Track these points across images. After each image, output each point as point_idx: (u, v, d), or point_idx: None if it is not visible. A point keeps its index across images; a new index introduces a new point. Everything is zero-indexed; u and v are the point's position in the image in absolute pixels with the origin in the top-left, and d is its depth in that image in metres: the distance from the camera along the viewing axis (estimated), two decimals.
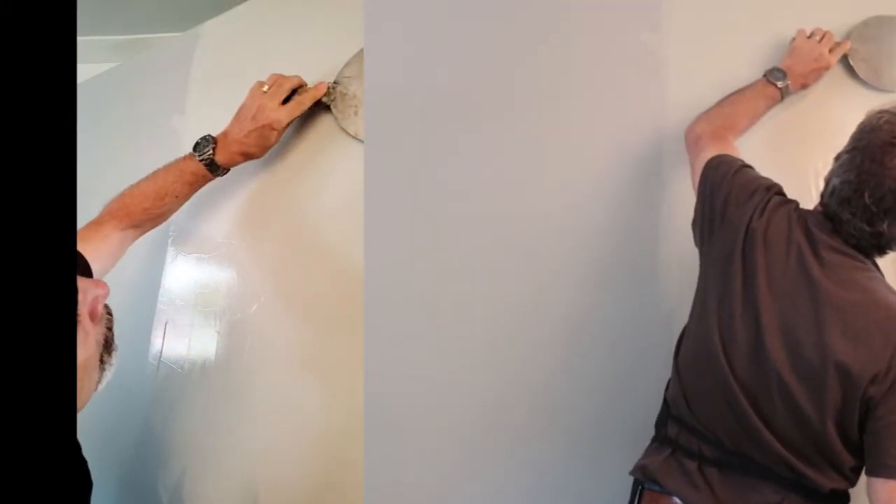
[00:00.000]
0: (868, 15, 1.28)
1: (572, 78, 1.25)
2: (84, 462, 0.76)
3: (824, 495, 0.91)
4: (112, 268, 1.14)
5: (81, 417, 0.62)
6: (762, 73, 1.21)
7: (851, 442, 0.88)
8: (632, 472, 1.05)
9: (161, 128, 1.43)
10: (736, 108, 1.16)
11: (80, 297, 0.66)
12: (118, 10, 2.13)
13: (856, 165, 0.90)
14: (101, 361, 0.70)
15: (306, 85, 1.15)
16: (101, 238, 1.10)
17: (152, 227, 1.18)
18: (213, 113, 1.35)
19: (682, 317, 1.07)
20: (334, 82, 1.14)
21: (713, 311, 0.97)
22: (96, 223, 1.12)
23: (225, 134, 1.13)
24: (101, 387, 0.72)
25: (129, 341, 1.45)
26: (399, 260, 1.17)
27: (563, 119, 1.24)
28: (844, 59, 1.26)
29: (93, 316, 0.67)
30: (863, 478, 0.91)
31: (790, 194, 1.03)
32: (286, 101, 1.12)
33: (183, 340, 1.34)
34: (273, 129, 1.10)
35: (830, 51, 1.21)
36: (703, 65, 1.26)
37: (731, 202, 1.00)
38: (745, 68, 1.25)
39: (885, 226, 0.89)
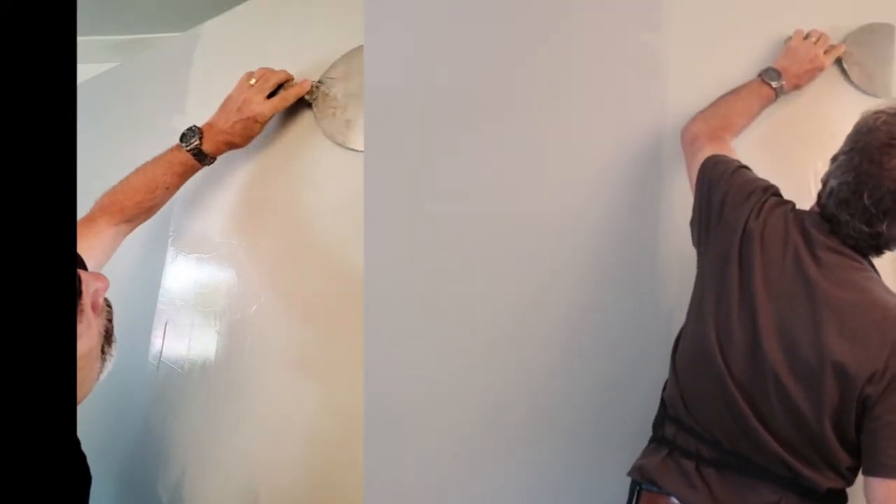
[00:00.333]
0: (865, 19, 1.29)
1: (572, 78, 1.25)
2: (83, 456, 0.77)
3: (822, 495, 0.91)
4: (106, 262, 1.15)
5: (81, 417, 0.62)
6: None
7: (848, 441, 0.88)
8: (629, 473, 1.05)
9: (161, 128, 1.43)
10: (732, 107, 1.16)
11: (83, 289, 0.69)
12: (118, 10, 2.13)
13: (854, 167, 0.90)
14: (103, 352, 0.74)
15: (293, 80, 1.17)
16: (95, 234, 1.10)
17: (144, 221, 1.20)
18: (212, 113, 1.35)
19: (681, 317, 1.07)
20: (319, 81, 1.16)
21: (710, 311, 0.97)
22: (89, 220, 1.12)
23: (210, 124, 1.16)
24: (102, 376, 0.75)
25: (129, 341, 1.45)
26: (399, 260, 1.17)
27: (562, 119, 1.24)
28: (838, 62, 1.27)
29: (94, 308, 0.71)
30: (860, 477, 0.91)
31: (789, 194, 1.03)
32: (272, 94, 1.15)
33: (183, 340, 1.34)
34: (257, 121, 1.14)
35: (825, 53, 1.22)
36: (703, 65, 1.26)
37: (729, 203, 1.00)
38: (745, 68, 1.25)
39: (883, 226, 0.89)
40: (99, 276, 0.72)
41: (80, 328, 0.68)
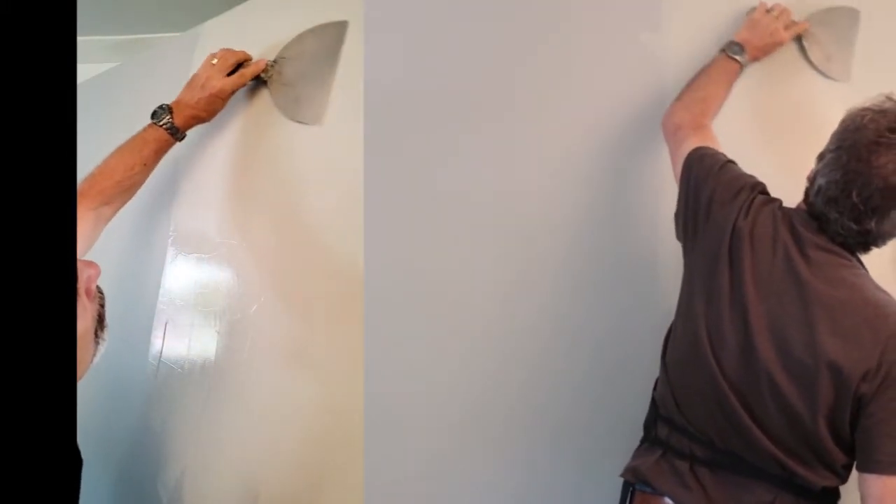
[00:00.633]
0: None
1: (572, 78, 1.25)
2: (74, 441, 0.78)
3: (816, 493, 0.91)
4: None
5: (81, 418, 0.62)
6: (755, 73, 1.21)
7: (843, 440, 0.89)
8: (623, 475, 1.05)
9: None
10: (708, 90, 1.16)
11: (78, 277, 0.71)
12: (118, 10, 2.13)
13: (842, 165, 0.90)
14: (96, 336, 0.76)
15: (250, 60, 1.26)
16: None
17: (123, 202, 1.24)
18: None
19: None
20: (273, 61, 1.24)
21: (700, 311, 0.97)
22: None
23: (178, 101, 1.25)
24: (96, 359, 0.78)
25: (129, 341, 1.45)
26: (399, 259, 1.17)
27: (562, 119, 1.24)
28: (798, 40, 1.28)
29: (88, 294, 0.74)
30: (853, 474, 0.91)
31: (786, 190, 1.03)
32: (232, 73, 1.25)
33: (183, 340, 1.34)
34: (219, 97, 1.24)
35: (786, 28, 1.23)
36: (702, 65, 1.26)
37: (717, 200, 1.00)
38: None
39: (872, 223, 0.89)
40: (91, 264, 0.75)
41: (76, 314, 0.70)
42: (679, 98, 1.18)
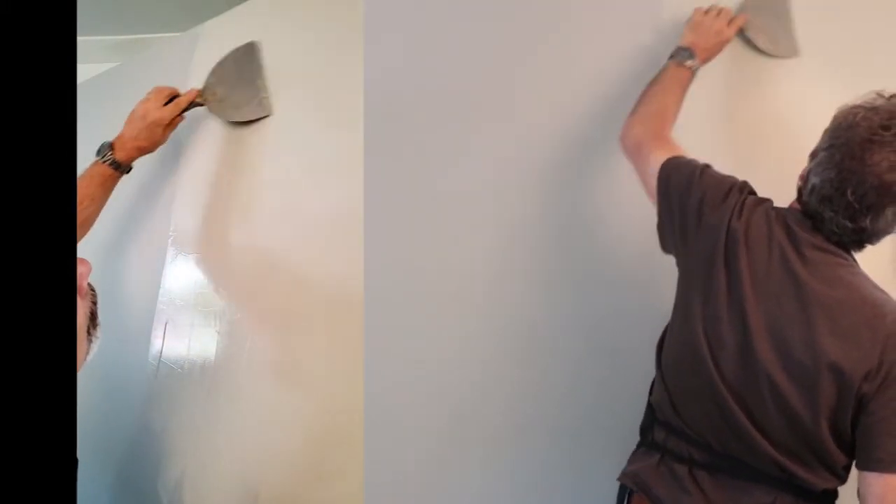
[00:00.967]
0: None
1: (572, 78, 1.25)
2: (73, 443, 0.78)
3: (815, 495, 0.91)
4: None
5: (81, 418, 0.62)
6: (750, 76, 1.21)
7: (845, 440, 0.89)
8: (620, 478, 1.04)
9: None
10: (662, 101, 1.14)
11: None
12: (118, 10, 2.13)
13: (835, 163, 0.90)
14: (88, 333, 0.76)
15: (180, 93, 1.35)
16: None
17: (80, 235, 1.28)
18: (211, 111, 1.35)
19: None
20: (203, 87, 1.35)
21: (698, 313, 0.96)
22: None
23: (120, 136, 1.31)
24: (89, 357, 0.77)
25: (129, 341, 1.45)
26: (399, 260, 1.16)
27: (563, 119, 1.24)
28: (741, 32, 1.28)
29: (80, 291, 0.74)
30: (852, 475, 0.91)
31: (777, 190, 1.02)
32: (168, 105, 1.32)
33: (183, 340, 1.34)
34: (158, 125, 1.30)
35: (728, 25, 1.22)
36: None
37: (707, 204, 0.98)
38: (744, 67, 1.25)
39: (867, 221, 0.89)
40: (82, 261, 0.75)
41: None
42: (633, 112, 1.15)
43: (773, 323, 0.91)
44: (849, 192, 0.88)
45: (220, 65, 1.35)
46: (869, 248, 0.96)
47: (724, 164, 1.05)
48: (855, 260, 0.95)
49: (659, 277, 1.20)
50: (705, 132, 1.27)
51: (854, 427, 0.87)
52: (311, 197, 1.19)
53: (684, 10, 1.27)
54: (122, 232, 1.51)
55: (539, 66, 1.24)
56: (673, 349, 1.01)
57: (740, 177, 1.02)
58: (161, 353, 1.37)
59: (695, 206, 0.99)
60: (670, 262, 1.05)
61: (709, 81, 1.23)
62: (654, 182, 1.05)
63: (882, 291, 0.91)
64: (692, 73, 1.17)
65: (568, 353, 1.23)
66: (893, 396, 0.85)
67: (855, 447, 0.89)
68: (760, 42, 1.27)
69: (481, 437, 1.21)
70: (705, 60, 1.20)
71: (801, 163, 0.98)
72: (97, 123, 1.63)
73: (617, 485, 1.06)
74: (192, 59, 1.44)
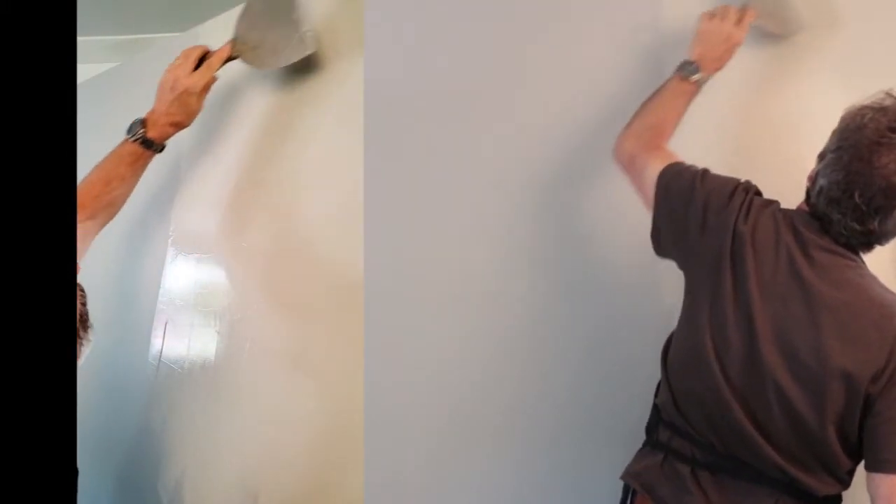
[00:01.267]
0: None
1: (572, 78, 1.25)
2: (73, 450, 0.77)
3: (818, 499, 0.91)
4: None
5: (81, 417, 0.62)
6: (757, 76, 1.20)
7: (851, 445, 0.88)
8: (624, 478, 1.04)
9: None
10: (659, 115, 1.11)
11: None
12: (118, 10, 2.13)
13: (843, 165, 0.89)
14: (78, 336, 0.73)
15: (210, 51, 1.23)
16: None
17: (108, 217, 1.22)
18: (209, 111, 1.35)
19: (677, 315, 1.07)
20: (234, 38, 1.22)
21: (704, 316, 0.96)
22: None
23: (152, 112, 1.21)
24: (80, 361, 0.74)
25: (129, 341, 1.45)
26: (399, 259, 1.17)
27: (562, 119, 1.24)
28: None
29: None
30: (858, 478, 0.91)
31: (786, 191, 1.02)
32: (197, 69, 1.21)
33: (183, 340, 1.34)
34: (191, 93, 1.19)
35: (737, 25, 1.15)
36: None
37: (711, 208, 0.97)
38: (744, 67, 1.25)
39: (875, 224, 0.88)
40: None
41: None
42: (629, 126, 1.12)
43: (780, 326, 0.90)
44: (856, 195, 0.88)
45: (248, 8, 1.21)
46: None
47: (731, 166, 1.04)
48: (863, 261, 0.95)
49: (660, 278, 1.20)
50: (711, 133, 1.26)
51: (861, 429, 0.87)
52: (311, 197, 1.19)
53: (684, 9, 1.27)
54: (123, 232, 1.51)
55: (539, 66, 1.24)
56: (679, 351, 1.01)
57: (749, 178, 1.01)
58: (161, 353, 1.37)
59: (698, 210, 0.98)
60: (672, 263, 1.05)
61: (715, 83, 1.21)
62: (651, 192, 1.03)
63: (891, 293, 0.91)
64: (697, 87, 1.12)
65: (568, 352, 1.23)
66: None
67: (859, 453, 0.88)
68: (772, 26, 1.24)
69: (481, 437, 1.21)
70: (716, 69, 1.15)
71: (810, 163, 0.98)
72: (97, 123, 1.63)
73: (618, 485, 1.06)
74: None
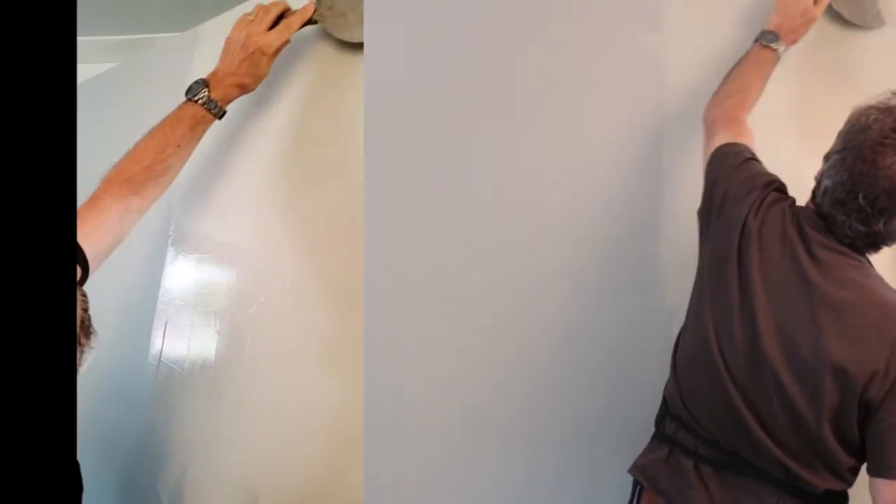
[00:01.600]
0: None
1: (572, 78, 1.25)
2: (77, 465, 0.76)
3: (820, 497, 0.91)
4: (115, 245, 1.06)
5: (81, 418, 0.62)
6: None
7: (849, 443, 0.88)
8: (630, 471, 1.05)
9: None
10: (741, 82, 1.14)
11: None
12: (118, 10, 2.13)
13: (847, 166, 0.90)
14: (80, 344, 0.70)
15: (290, 9, 1.14)
16: (99, 213, 1.01)
17: (158, 191, 1.11)
18: None
19: (681, 316, 1.07)
20: (317, 1, 1.16)
21: (708, 309, 0.97)
22: (95, 197, 1.03)
23: (215, 72, 1.12)
24: (82, 370, 0.71)
25: (129, 341, 1.45)
26: (399, 260, 1.16)
27: (563, 119, 1.24)
28: (829, 7, 1.24)
29: None
30: (861, 478, 0.91)
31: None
32: (273, 28, 1.12)
33: (183, 340, 1.34)
34: (264, 53, 1.09)
35: (816, 2, 1.18)
36: (702, 65, 1.26)
37: (730, 197, 0.99)
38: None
39: (880, 225, 0.89)
40: None
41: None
42: (715, 93, 1.16)
43: (782, 322, 0.90)
44: (860, 196, 0.88)
45: None
46: None
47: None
48: (869, 261, 0.95)
49: (667, 278, 1.21)
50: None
51: (862, 432, 0.87)
52: (311, 197, 1.19)
53: (684, 9, 1.27)
54: None
55: (539, 65, 1.24)
56: (686, 346, 1.02)
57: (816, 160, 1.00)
58: (161, 353, 1.37)
59: (720, 197, 1.00)
60: (679, 262, 1.05)
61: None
62: (705, 165, 1.06)
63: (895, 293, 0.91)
64: (777, 55, 1.15)
65: (570, 352, 1.23)
66: None
67: (861, 451, 0.88)
68: (847, 13, 1.25)
69: (483, 437, 1.21)
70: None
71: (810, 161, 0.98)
72: (97, 123, 1.63)
73: (621, 489, 1.06)
74: (192, 59, 1.44)
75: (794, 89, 1.28)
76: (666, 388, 1.07)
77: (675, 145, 1.23)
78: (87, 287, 0.98)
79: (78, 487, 0.76)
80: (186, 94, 1.11)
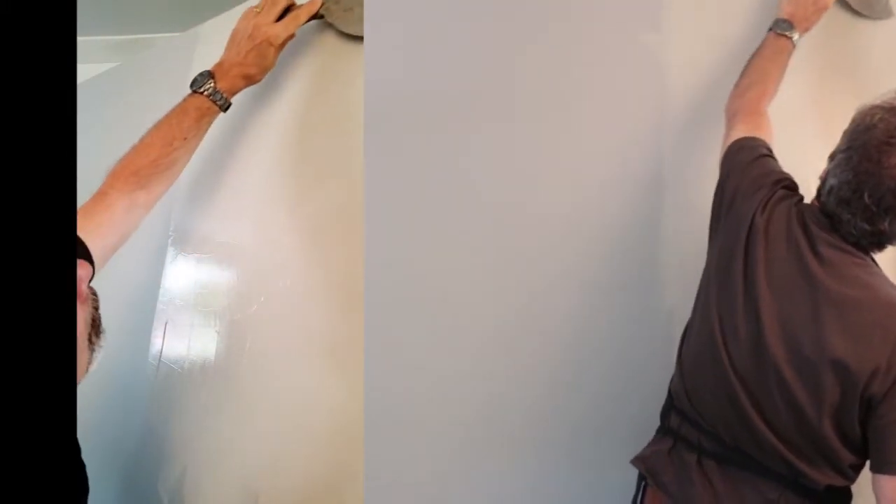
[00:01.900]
0: None
1: (573, 78, 1.25)
2: (82, 466, 0.75)
3: (822, 493, 0.91)
4: (121, 242, 1.05)
5: (81, 418, 0.62)
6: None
7: (851, 439, 0.89)
8: (633, 462, 1.05)
9: None
10: (763, 73, 1.15)
11: None
12: (118, 10, 2.13)
13: (853, 165, 0.90)
14: (91, 342, 0.70)
15: (297, 3, 1.15)
16: (105, 209, 1.01)
17: (164, 187, 1.10)
18: None
19: (682, 317, 1.07)
20: None
21: (714, 305, 0.97)
22: (100, 193, 1.03)
23: (221, 63, 1.12)
24: (92, 367, 0.71)
25: (129, 341, 1.45)
26: (399, 260, 1.16)
27: (563, 119, 1.24)
28: None
29: (80, 296, 0.68)
30: (864, 475, 0.91)
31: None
32: (281, 20, 1.12)
33: (183, 340, 1.34)
34: (271, 44, 1.09)
35: None
36: (703, 65, 1.26)
37: (740, 194, 1.00)
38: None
39: (886, 224, 0.89)
40: (82, 264, 0.69)
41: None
42: (736, 85, 1.16)
43: (785, 319, 0.91)
44: (866, 195, 0.88)
45: None
46: None
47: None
48: (874, 260, 0.95)
49: (669, 278, 1.21)
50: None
51: (864, 428, 0.87)
52: (311, 196, 1.19)
53: (684, 8, 1.27)
54: None
55: (539, 65, 1.24)
56: (691, 340, 1.02)
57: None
58: (161, 353, 1.37)
59: (731, 192, 1.01)
60: (680, 263, 1.06)
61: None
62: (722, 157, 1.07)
63: None
64: (793, 43, 1.16)
65: (569, 352, 1.23)
66: None
67: (862, 448, 0.89)
68: (855, 3, 1.26)
69: (483, 437, 1.21)
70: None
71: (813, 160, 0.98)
72: (97, 123, 1.63)
73: (624, 489, 1.06)
74: (192, 59, 1.44)
75: (805, 79, 1.28)
76: (671, 381, 1.08)
77: (675, 145, 1.23)
78: None
79: (84, 489, 0.76)
80: (191, 86, 1.11)
